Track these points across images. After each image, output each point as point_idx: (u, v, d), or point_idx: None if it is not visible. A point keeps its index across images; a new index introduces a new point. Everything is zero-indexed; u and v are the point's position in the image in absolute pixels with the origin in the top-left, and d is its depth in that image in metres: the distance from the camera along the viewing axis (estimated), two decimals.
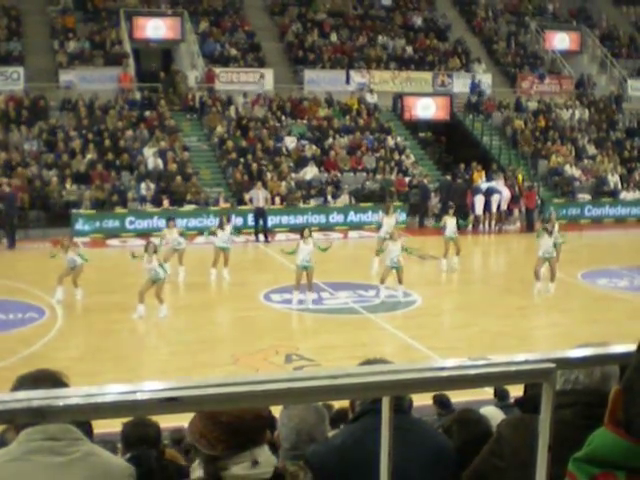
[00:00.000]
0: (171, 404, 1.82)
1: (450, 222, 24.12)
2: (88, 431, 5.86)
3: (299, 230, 20.69)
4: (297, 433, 3.89)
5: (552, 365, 2.02)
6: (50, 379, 3.14)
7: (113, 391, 1.84)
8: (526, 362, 2.06)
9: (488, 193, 32.51)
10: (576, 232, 31.52)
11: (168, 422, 8.89)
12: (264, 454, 2.82)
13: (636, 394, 1.49)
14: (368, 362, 3.73)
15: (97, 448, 3.02)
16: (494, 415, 6.23)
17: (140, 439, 5.93)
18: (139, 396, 1.82)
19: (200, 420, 2.81)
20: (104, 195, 29.88)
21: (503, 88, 42.17)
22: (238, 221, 29.92)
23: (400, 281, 20.16)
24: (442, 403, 8.95)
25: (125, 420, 6.21)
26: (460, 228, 25.29)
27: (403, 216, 31.27)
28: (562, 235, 22.39)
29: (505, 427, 3.63)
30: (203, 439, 2.77)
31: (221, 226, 22.60)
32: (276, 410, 4.27)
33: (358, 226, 31.04)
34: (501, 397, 9.66)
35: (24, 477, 2.79)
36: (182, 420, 9.56)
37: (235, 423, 2.75)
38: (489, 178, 33.78)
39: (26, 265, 24.07)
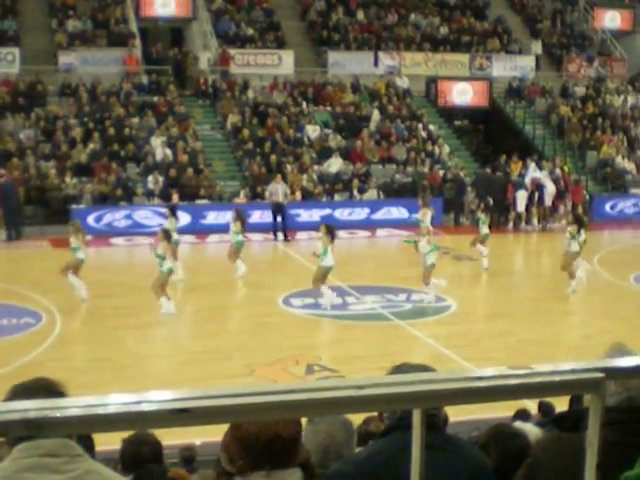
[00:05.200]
0: (181, 416, 1.81)
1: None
2: (89, 447, 5.88)
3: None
4: (324, 450, 3.87)
5: (601, 375, 2.01)
6: (46, 389, 3.13)
7: (116, 401, 1.83)
8: (572, 372, 2.05)
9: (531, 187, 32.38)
10: (629, 231, 31.31)
11: (178, 438, 8.94)
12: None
13: None
14: (398, 369, 3.69)
15: (99, 465, 3.01)
16: (528, 430, 6.22)
17: (136, 458, 5.95)
18: (145, 407, 1.82)
19: (227, 432, 2.83)
20: (107, 189, 29.95)
21: (548, 72, 41.98)
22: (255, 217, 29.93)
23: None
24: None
25: (125, 436, 6.24)
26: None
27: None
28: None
29: (541, 449, 3.61)
30: (225, 453, 2.78)
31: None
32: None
33: (387, 223, 30.95)
34: (545, 413, 9.60)
35: None
36: (193, 436, 9.58)
37: (248, 439, 2.73)
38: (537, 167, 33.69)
39: (21, 265, 24.19)
